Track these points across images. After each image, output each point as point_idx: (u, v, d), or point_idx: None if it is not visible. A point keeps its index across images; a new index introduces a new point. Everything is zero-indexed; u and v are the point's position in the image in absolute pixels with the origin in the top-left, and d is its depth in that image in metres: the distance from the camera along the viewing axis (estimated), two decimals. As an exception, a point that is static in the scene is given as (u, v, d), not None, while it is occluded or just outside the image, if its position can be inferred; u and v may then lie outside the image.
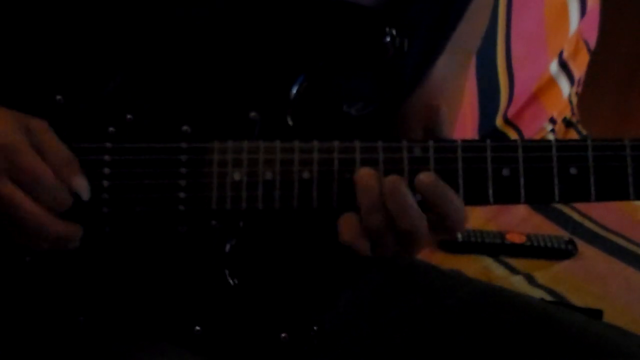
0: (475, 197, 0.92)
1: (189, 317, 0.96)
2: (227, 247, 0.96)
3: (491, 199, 0.92)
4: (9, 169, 0.88)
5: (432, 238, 0.92)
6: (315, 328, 0.96)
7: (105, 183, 0.94)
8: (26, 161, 0.89)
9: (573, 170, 0.91)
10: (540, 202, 0.92)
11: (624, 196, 0.91)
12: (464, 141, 0.92)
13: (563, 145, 0.92)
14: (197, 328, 0.96)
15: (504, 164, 0.92)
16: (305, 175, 0.93)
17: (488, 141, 0.92)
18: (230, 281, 0.96)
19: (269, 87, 0.96)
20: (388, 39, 0.95)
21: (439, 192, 0.91)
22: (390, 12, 1.01)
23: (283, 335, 0.96)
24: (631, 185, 0.91)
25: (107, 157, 0.95)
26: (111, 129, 0.96)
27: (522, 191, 0.91)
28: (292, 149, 0.93)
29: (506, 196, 0.92)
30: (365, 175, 0.91)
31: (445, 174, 0.91)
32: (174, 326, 0.96)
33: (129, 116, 0.96)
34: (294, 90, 0.95)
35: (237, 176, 0.93)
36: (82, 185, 0.92)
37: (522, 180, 0.91)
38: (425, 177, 0.91)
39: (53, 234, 0.91)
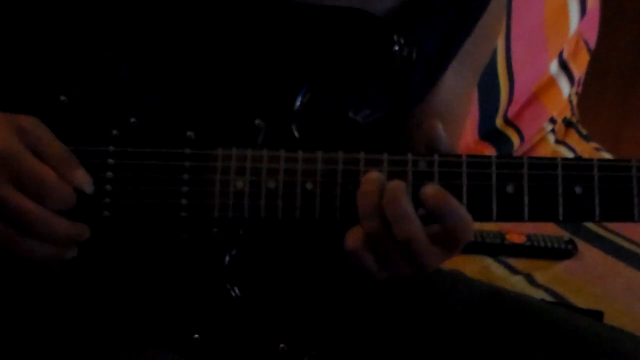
0: (479, 214, 0.91)
1: (188, 325, 0.96)
2: (228, 256, 0.96)
3: (494, 216, 0.91)
4: (11, 176, 0.88)
5: (440, 251, 0.91)
6: (314, 338, 0.96)
7: (108, 187, 0.94)
8: (27, 166, 0.88)
9: (578, 190, 0.90)
10: (543, 221, 0.91)
11: (628, 217, 0.91)
12: (469, 156, 0.92)
13: (569, 163, 0.91)
14: (196, 336, 0.95)
15: (508, 181, 0.91)
16: (309, 185, 0.92)
17: (493, 157, 0.91)
18: (230, 290, 0.96)
19: (274, 94, 0.95)
20: (396, 48, 0.95)
21: (443, 204, 0.90)
22: (400, 21, 1.01)
23: (282, 345, 0.95)
24: (636, 206, 0.90)
25: (110, 161, 0.94)
26: (115, 132, 0.95)
27: (526, 209, 0.91)
28: (296, 158, 0.93)
29: (509, 214, 0.91)
30: (368, 180, 0.91)
31: (449, 189, 0.90)
32: (173, 333, 0.96)
33: (132, 119, 0.95)
34: (299, 101, 0.95)
35: (240, 184, 0.93)
36: (84, 178, 0.92)
37: (526, 198, 0.91)
38: (430, 189, 0.90)
39: (62, 236, 0.91)
